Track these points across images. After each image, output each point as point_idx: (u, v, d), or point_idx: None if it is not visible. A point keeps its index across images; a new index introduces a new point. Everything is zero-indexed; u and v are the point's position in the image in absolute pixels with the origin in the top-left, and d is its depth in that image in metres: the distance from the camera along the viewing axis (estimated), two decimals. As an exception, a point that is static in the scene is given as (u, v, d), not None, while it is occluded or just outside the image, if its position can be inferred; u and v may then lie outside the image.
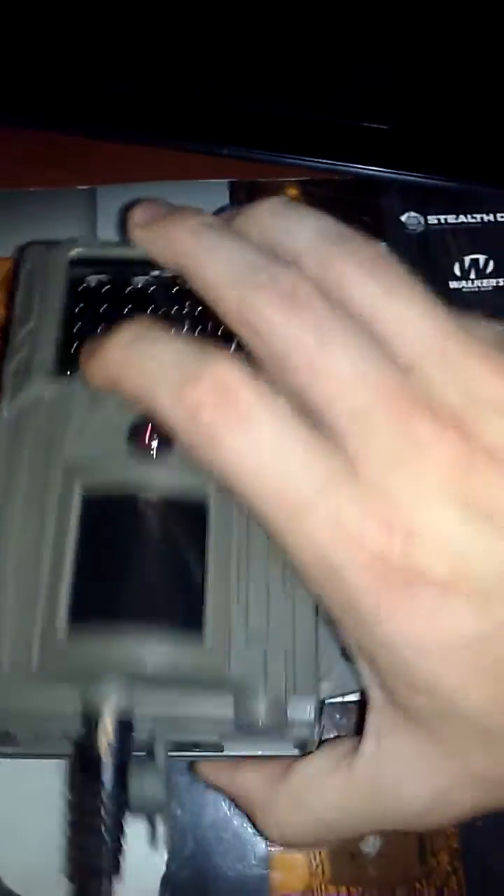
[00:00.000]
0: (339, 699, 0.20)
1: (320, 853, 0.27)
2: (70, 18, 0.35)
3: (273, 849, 0.27)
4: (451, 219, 0.35)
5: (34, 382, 0.20)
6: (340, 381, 0.16)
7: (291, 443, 0.16)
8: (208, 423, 0.16)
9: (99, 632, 0.17)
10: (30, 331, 0.21)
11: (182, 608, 0.18)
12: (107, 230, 0.33)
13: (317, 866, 0.27)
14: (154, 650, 0.17)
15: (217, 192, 0.35)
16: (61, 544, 0.18)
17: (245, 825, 0.27)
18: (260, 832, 0.22)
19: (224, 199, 0.35)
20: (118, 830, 0.18)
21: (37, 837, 0.27)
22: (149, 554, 0.18)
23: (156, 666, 0.17)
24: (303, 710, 0.18)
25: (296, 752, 0.21)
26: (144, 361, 0.18)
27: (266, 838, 0.24)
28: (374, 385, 0.16)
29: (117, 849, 0.18)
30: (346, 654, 0.19)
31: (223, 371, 0.16)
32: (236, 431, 0.16)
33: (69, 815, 0.18)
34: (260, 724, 0.18)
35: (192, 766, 0.23)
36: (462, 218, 0.35)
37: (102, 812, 0.17)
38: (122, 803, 0.18)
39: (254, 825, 0.21)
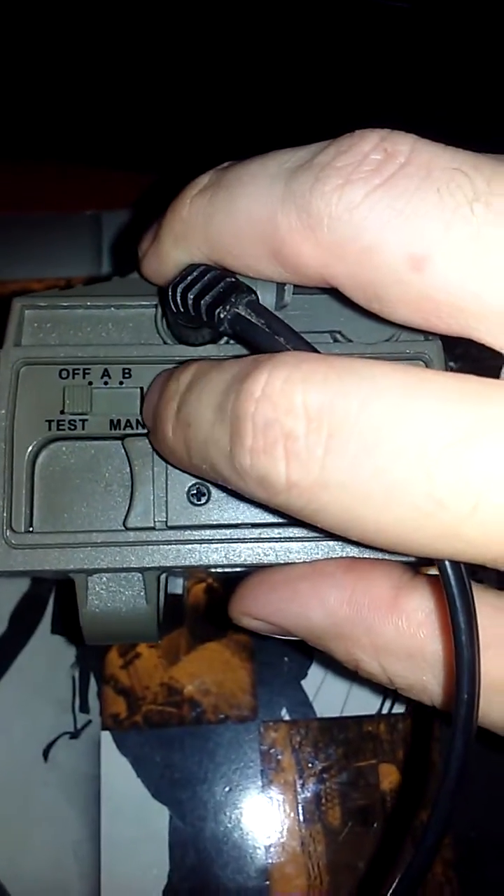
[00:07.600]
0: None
1: (318, 864, 0.28)
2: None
3: (272, 861, 0.28)
4: None
5: None
6: None
7: None
8: None
9: None
10: None
11: None
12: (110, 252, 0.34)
13: (315, 877, 0.28)
14: None
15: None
16: None
17: (245, 837, 0.28)
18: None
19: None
20: None
21: (43, 851, 0.28)
22: None
23: None
24: None
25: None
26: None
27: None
28: None
29: None
30: None
31: None
32: None
33: None
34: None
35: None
36: None
37: None
38: None
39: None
